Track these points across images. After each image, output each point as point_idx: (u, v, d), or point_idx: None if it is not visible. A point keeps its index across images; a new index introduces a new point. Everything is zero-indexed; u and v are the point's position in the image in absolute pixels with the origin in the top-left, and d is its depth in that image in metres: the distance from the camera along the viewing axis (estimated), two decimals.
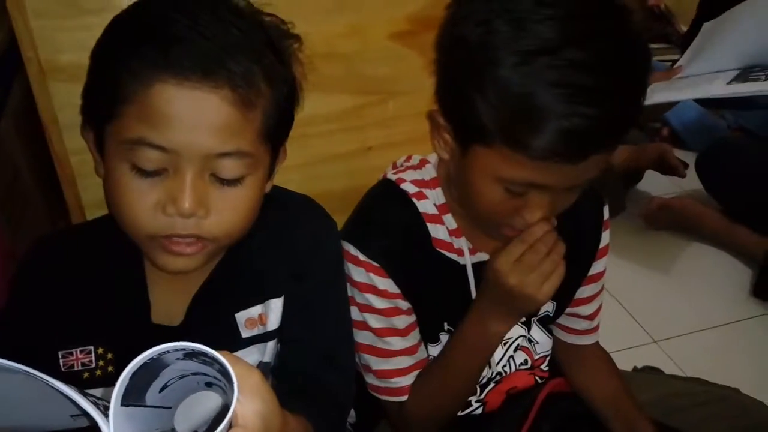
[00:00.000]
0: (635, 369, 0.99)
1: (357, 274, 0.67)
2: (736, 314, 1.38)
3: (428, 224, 0.69)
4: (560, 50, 0.50)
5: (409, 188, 0.69)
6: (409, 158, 0.75)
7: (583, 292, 0.78)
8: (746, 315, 1.38)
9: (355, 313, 0.69)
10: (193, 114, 0.49)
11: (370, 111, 0.87)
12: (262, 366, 0.61)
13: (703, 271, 1.50)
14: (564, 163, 0.53)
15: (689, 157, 1.66)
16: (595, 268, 0.79)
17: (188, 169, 0.50)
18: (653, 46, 2.20)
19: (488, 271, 0.63)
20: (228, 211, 0.53)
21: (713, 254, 1.54)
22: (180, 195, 0.50)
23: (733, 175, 1.52)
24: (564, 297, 0.76)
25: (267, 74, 0.53)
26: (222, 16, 0.51)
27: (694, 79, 1.21)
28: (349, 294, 0.69)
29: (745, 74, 1.15)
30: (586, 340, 0.80)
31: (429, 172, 0.70)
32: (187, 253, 0.53)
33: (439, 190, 0.69)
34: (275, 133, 0.56)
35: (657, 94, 1.19)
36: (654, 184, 1.71)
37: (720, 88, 1.11)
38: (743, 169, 1.50)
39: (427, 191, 0.69)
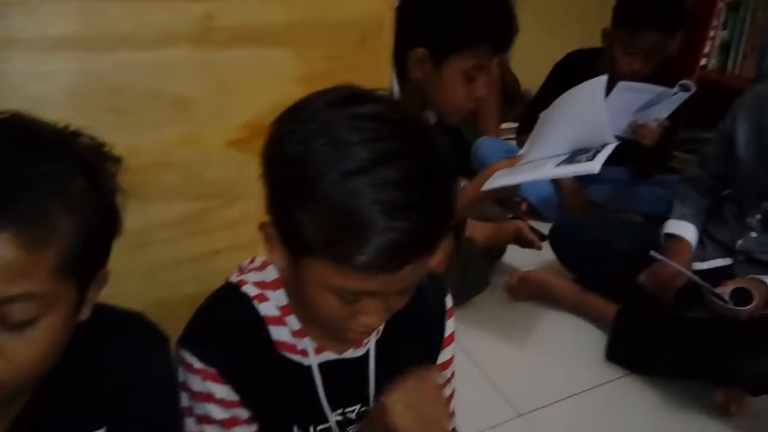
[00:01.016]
0: None
1: (193, 382, 0.66)
2: (595, 380, 1.46)
3: (270, 327, 0.69)
4: (374, 170, 0.54)
5: (251, 290, 0.69)
6: (252, 260, 0.75)
7: None
8: (604, 380, 1.47)
9: (191, 425, 0.66)
10: None
11: (215, 215, 0.87)
12: None
13: (562, 339, 1.59)
14: (386, 273, 0.56)
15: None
16: (443, 357, 0.82)
17: None
18: (512, 125, 2.41)
19: (377, 405, 0.65)
20: (20, 356, 0.50)
21: (572, 322, 1.64)
22: None
23: (579, 247, 1.65)
24: None
25: (70, 205, 0.51)
26: (20, 150, 0.50)
27: (532, 164, 1.33)
28: (187, 405, 0.67)
29: (572, 157, 1.28)
30: None
31: (271, 274, 0.71)
32: None
33: (281, 291, 0.70)
34: (82, 264, 0.54)
35: (498, 179, 1.29)
36: (518, 256, 1.82)
37: (549, 171, 1.23)
38: (587, 240, 1.64)
39: (269, 293, 0.70)
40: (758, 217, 1.46)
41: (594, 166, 1.16)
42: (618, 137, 1.30)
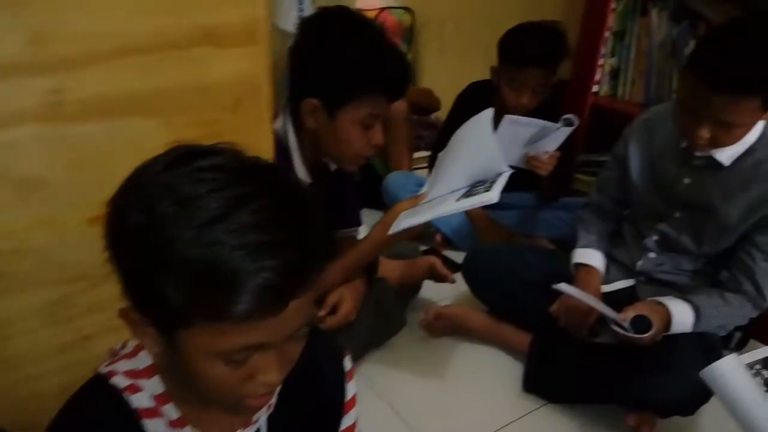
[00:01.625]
0: None
1: None
2: (515, 413, 1.47)
3: (144, 420, 0.64)
4: (229, 216, 0.52)
5: (121, 382, 0.64)
6: (124, 344, 0.69)
7: None
8: (523, 412, 1.47)
9: None
10: None
11: (80, 298, 0.80)
12: None
13: (482, 374, 1.59)
14: (269, 317, 0.53)
15: None
16: (345, 423, 0.79)
17: None
18: (425, 154, 2.42)
19: None
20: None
21: (490, 355, 1.65)
22: None
23: (491, 278, 1.66)
24: None
25: None
26: None
27: (434, 201, 1.33)
28: None
29: (471, 190, 1.29)
30: None
31: (144, 360, 0.66)
32: None
33: (156, 378, 0.65)
34: None
35: (404, 221, 1.28)
36: (435, 290, 1.81)
37: (450, 206, 1.23)
38: (498, 271, 1.65)
39: (142, 382, 0.64)
40: (655, 238, 1.51)
41: (492, 196, 1.17)
42: (514, 167, 1.34)
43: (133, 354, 0.67)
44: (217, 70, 0.83)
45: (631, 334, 1.23)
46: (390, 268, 1.66)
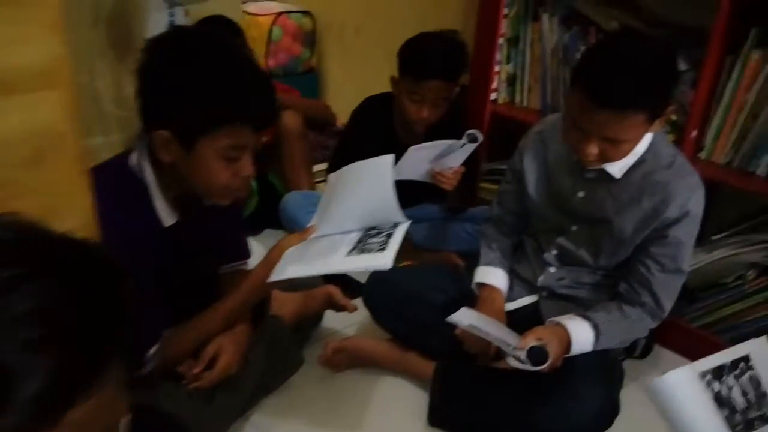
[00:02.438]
0: None
1: None
2: None
3: None
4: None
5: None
6: None
7: None
8: None
9: None
10: None
11: None
12: None
13: (387, 408, 1.49)
14: None
15: None
16: None
17: None
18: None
19: None
20: None
21: (396, 387, 1.55)
22: None
23: (392, 303, 1.56)
24: None
25: None
26: None
27: (325, 244, 1.22)
28: None
29: (364, 239, 1.20)
30: None
31: None
32: None
33: None
34: None
35: (287, 267, 1.16)
36: (337, 318, 1.70)
37: (338, 263, 1.14)
38: (400, 295, 1.56)
39: None
40: (554, 252, 1.48)
41: (385, 262, 1.09)
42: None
43: None
44: (9, 121, 0.69)
45: (528, 367, 1.17)
46: (285, 302, 1.54)
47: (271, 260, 1.21)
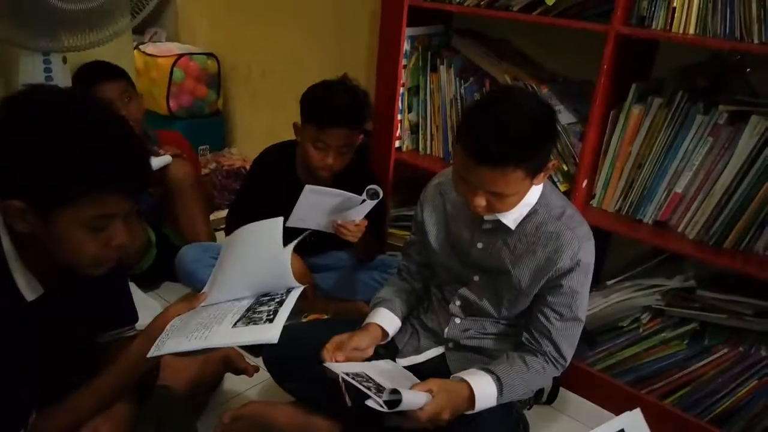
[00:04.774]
0: None
1: None
2: None
3: None
4: None
5: None
6: None
7: None
8: None
9: None
10: None
11: None
12: None
13: None
14: None
15: None
16: None
17: None
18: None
19: None
20: None
21: None
22: None
23: (292, 363, 1.48)
24: None
25: None
26: None
27: (213, 313, 1.15)
28: None
29: (253, 309, 1.14)
30: None
31: None
32: None
33: None
34: None
35: (170, 341, 1.07)
36: (239, 381, 1.60)
37: (224, 337, 1.06)
38: (301, 355, 1.48)
39: None
40: (458, 303, 1.47)
41: (272, 335, 1.03)
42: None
43: None
44: None
45: (384, 409, 1.14)
46: (179, 369, 1.43)
47: (153, 332, 1.12)
